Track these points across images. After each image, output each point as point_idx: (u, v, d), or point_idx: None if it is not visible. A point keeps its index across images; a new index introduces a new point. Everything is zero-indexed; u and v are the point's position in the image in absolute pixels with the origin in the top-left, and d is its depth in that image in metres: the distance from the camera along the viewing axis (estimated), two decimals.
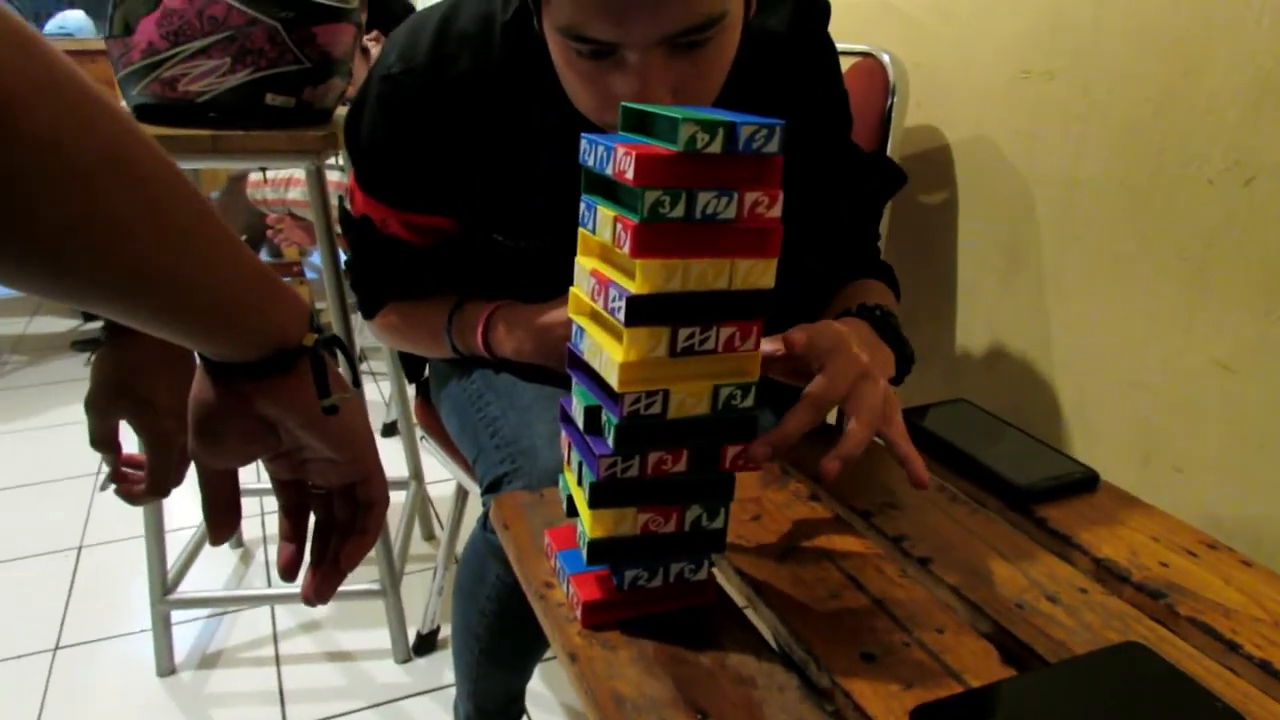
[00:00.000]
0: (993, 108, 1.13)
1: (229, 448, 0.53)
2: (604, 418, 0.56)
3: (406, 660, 1.53)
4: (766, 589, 0.65)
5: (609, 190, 0.57)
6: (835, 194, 0.97)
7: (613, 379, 0.53)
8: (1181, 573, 0.68)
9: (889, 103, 1.15)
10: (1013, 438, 0.87)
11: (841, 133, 0.99)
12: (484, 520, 0.94)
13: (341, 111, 1.40)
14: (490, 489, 0.91)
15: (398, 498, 1.73)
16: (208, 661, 1.53)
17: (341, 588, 1.70)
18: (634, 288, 0.52)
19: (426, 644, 1.55)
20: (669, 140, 0.52)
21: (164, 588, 1.45)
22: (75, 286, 0.39)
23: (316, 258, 3.23)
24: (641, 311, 0.52)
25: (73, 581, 1.74)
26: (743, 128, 0.51)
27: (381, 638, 1.56)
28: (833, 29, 0.95)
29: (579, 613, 0.61)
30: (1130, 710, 0.53)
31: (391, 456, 2.02)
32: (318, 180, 1.30)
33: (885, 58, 1.16)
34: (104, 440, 0.65)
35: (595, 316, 0.58)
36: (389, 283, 1.04)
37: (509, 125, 0.89)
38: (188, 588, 1.54)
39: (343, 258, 1.33)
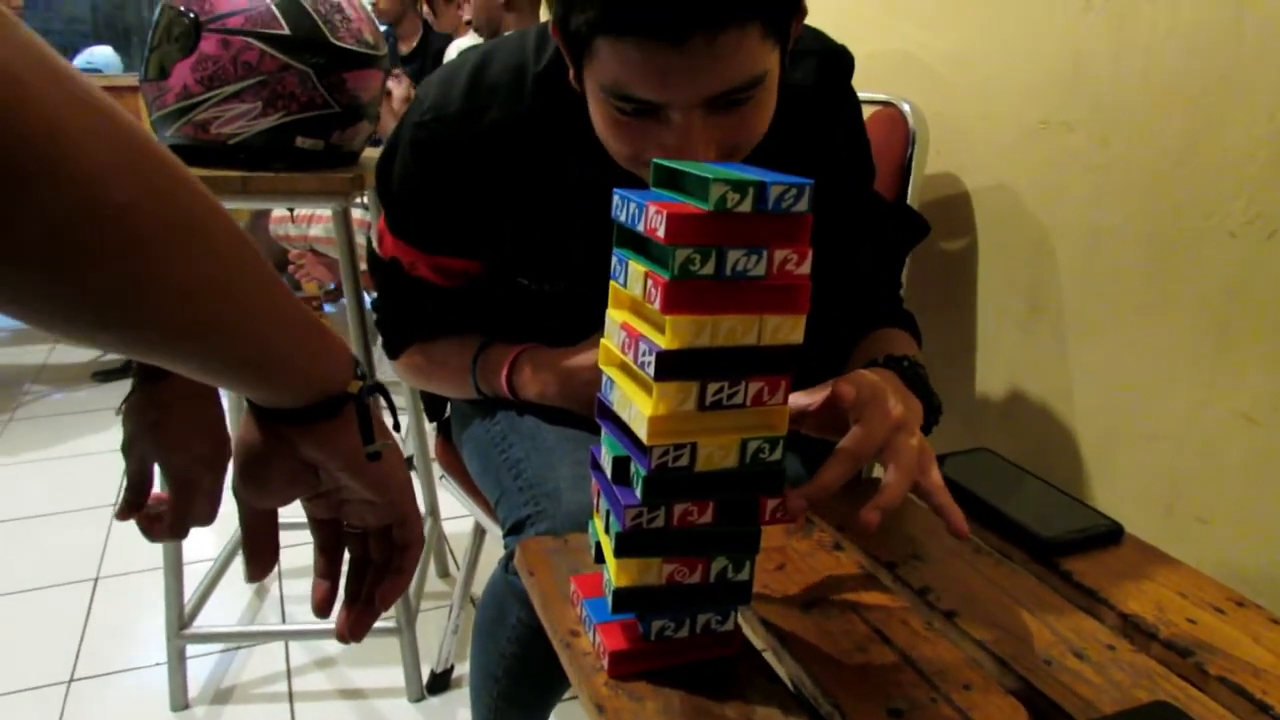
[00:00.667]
0: (1012, 156, 1.14)
1: (272, 488, 0.55)
2: (632, 469, 0.57)
3: (420, 699, 1.52)
4: (792, 640, 0.65)
5: (640, 245, 0.58)
6: (858, 242, 0.98)
7: (641, 432, 0.54)
8: (1210, 630, 0.67)
9: (909, 151, 1.16)
10: (1035, 488, 0.87)
11: (864, 182, 1.00)
12: (505, 562, 0.95)
13: (368, 154, 1.42)
14: (513, 531, 0.92)
15: None
16: (221, 696, 1.52)
17: None
18: (664, 343, 0.52)
19: (440, 683, 1.55)
20: (699, 199, 0.53)
21: (180, 622, 1.46)
22: (126, 339, 0.40)
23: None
24: (670, 366, 0.53)
25: (88, 613, 1.74)
26: (772, 187, 0.52)
27: (395, 675, 1.55)
28: (854, 79, 0.96)
29: (606, 662, 0.61)
30: None
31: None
32: (344, 220, 1.32)
33: (906, 107, 1.18)
34: (137, 483, 0.66)
35: (625, 369, 0.59)
36: (415, 323, 1.05)
37: (540, 173, 0.91)
38: (203, 622, 1.54)
39: (367, 297, 1.35)
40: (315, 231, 2.40)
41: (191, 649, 1.55)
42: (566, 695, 1.41)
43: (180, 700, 1.49)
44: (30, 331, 3.43)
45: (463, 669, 1.58)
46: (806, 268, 0.54)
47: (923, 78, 1.26)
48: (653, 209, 0.52)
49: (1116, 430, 1.05)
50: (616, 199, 0.58)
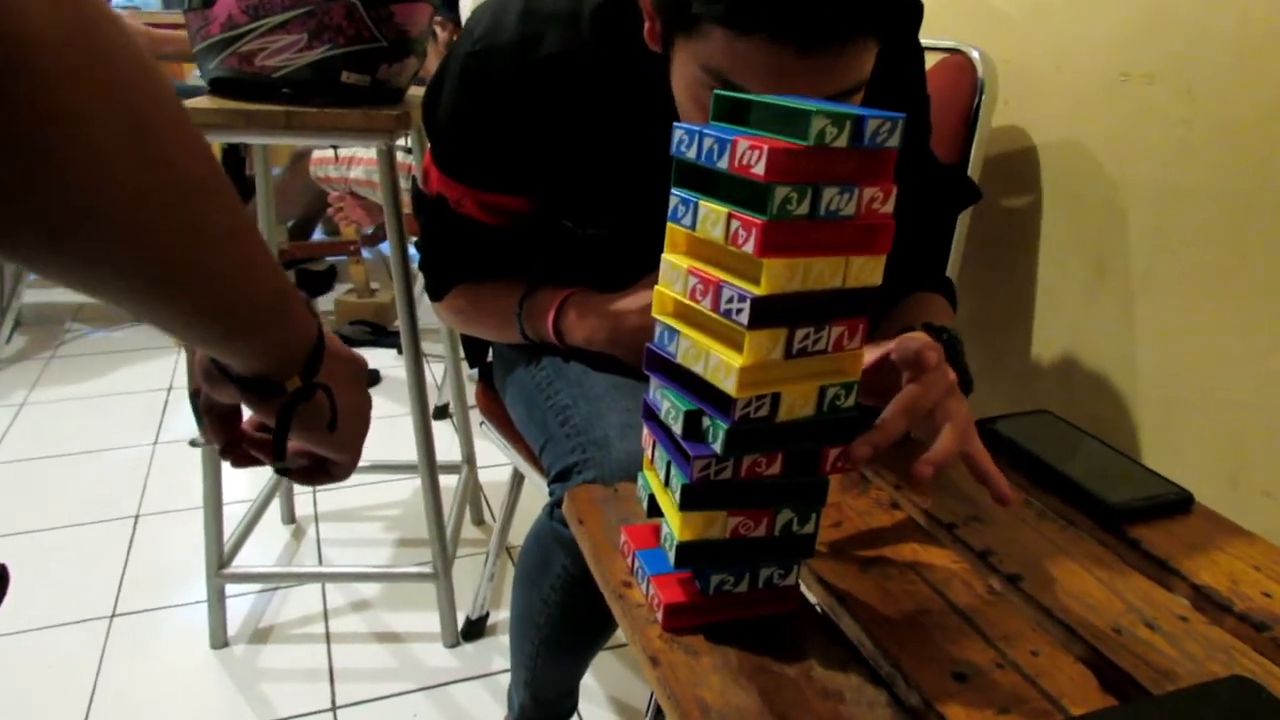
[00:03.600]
0: (1086, 111, 1.09)
1: (226, 395, 0.55)
2: (706, 422, 0.55)
3: (455, 645, 1.53)
4: (850, 599, 0.63)
5: (706, 184, 0.55)
6: (907, 201, 0.94)
7: (729, 384, 0.52)
8: None
9: (976, 101, 1.11)
10: (1100, 452, 0.84)
11: (921, 140, 0.96)
12: (551, 509, 0.93)
13: (414, 92, 1.40)
14: (559, 478, 0.90)
15: (449, 481, 1.73)
16: (260, 636, 1.54)
17: (393, 569, 1.70)
18: (759, 289, 0.50)
19: (475, 629, 1.55)
20: (785, 133, 0.50)
21: (220, 561, 1.47)
22: (68, 265, 0.37)
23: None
24: (766, 313, 0.50)
25: (129, 550, 1.76)
26: (869, 121, 0.49)
27: (431, 621, 1.56)
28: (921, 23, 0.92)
29: (660, 615, 0.59)
30: None
31: (443, 440, 2.03)
32: (389, 160, 1.30)
33: (974, 54, 1.13)
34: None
35: (692, 318, 0.56)
36: (460, 264, 1.03)
37: (591, 109, 0.88)
38: (241, 562, 1.55)
39: (410, 243, 1.33)
40: (355, 174, 2.38)
41: (230, 589, 1.56)
42: (609, 645, 1.42)
43: (220, 638, 1.50)
44: None
45: (497, 616, 1.58)
46: (890, 207, 0.52)
47: (994, 24, 1.21)
48: (745, 143, 0.49)
49: (1182, 397, 1.02)
50: (681, 134, 0.55)
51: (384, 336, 2.83)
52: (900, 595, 0.64)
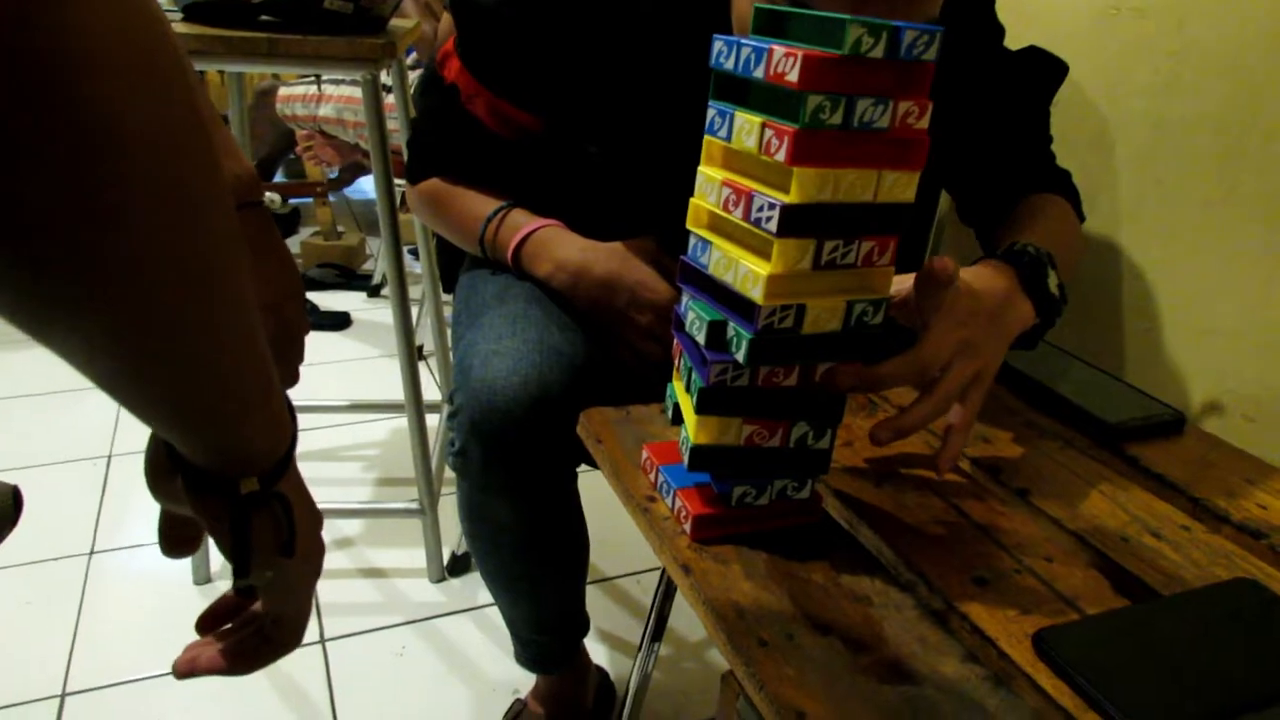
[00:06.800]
0: (1077, 44, 1.10)
1: (175, 500, 0.46)
2: (732, 332, 0.55)
3: (441, 580, 1.54)
4: (868, 511, 0.65)
5: (744, 96, 0.55)
6: (996, 104, 0.93)
7: (757, 292, 0.52)
8: None
9: None
10: (1094, 376, 0.87)
11: (995, 40, 0.95)
12: (455, 448, 0.90)
13: (398, 22, 1.36)
14: (451, 415, 0.88)
15: (430, 420, 1.72)
16: None
17: (378, 505, 1.68)
18: (788, 198, 0.50)
19: (461, 564, 1.56)
20: (823, 43, 0.50)
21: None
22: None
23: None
24: (795, 222, 0.51)
25: (104, 490, 1.74)
26: (906, 32, 0.49)
27: (414, 557, 1.57)
28: None
29: (689, 526, 0.60)
30: (1252, 641, 0.53)
31: (424, 378, 2.02)
32: (373, 93, 1.27)
33: None
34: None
35: (724, 229, 0.57)
36: (450, 156, 1.01)
37: (623, 20, 0.86)
38: None
39: (397, 184, 1.30)
40: (325, 111, 2.32)
41: None
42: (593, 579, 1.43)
43: (203, 574, 1.50)
44: None
45: None
46: (926, 122, 0.52)
47: None
48: (781, 51, 0.49)
49: (1166, 325, 1.04)
50: (720, 45, 0.55)
51: (353, 279, 2.79)
52: (915, 508, 0.66)
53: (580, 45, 0.88)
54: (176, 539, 0.51)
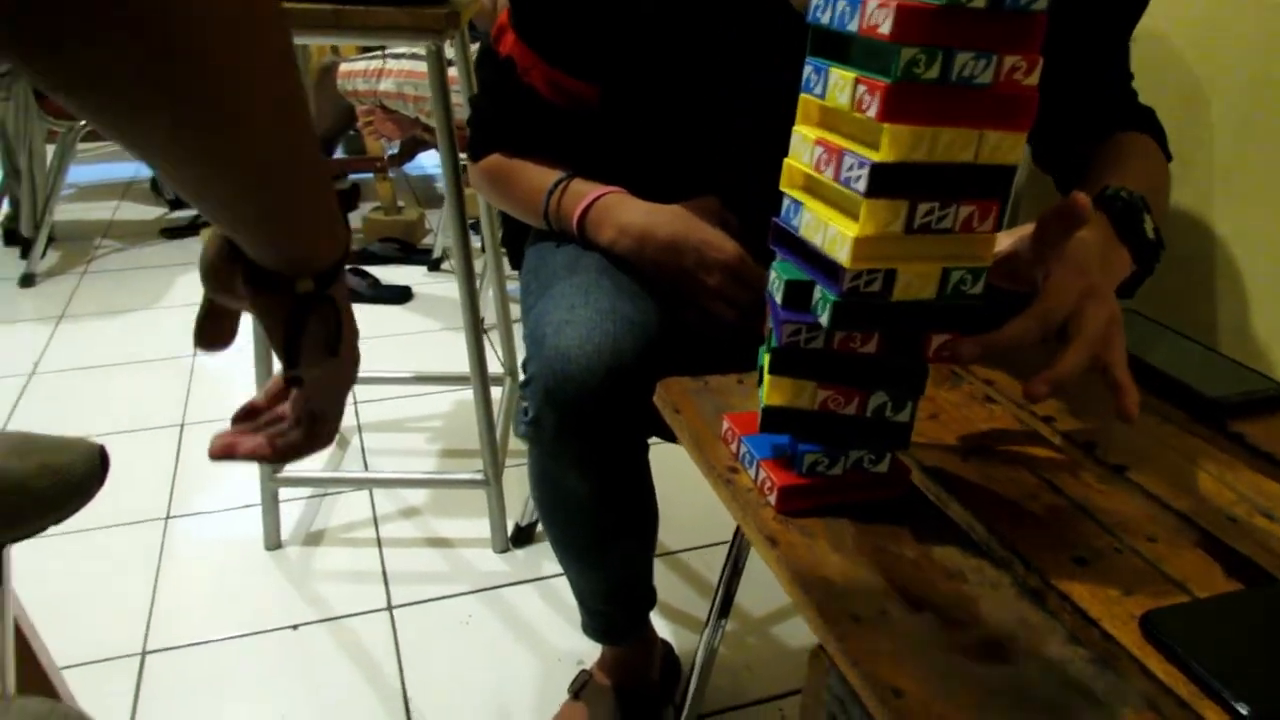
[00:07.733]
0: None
1: (233, 294, 0.50)
2: (817, 294, 0.54)
3: (505, 550, 1.55)
4: (958, 486, 0.63)
5: (840, 53, 0.53)
6: (1074, 37, 0.85)
7: (843, 254, 0.50)
8: None
9: None
10: (1190, 349, 0.83)
11: None
12: (528, 417, 0.88)
13: None
14: (525, 384, 0.87)
15: (494, 393, 1.73)
16: (312, 539, 1.56)
17: (443, 476, 1.69)
18: (878, 156, 0.48)
19: (525, 535, 1.57)
20: None
21: (274, 466, 1.48)
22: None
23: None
24: (885, 181, 0.49)
25: (177, 457, 1.78)
26: None
27: (478, 527, 1.58)
28: None
29: (774, 498, 0.59)
30: None
31: (488, 353, 2.03)
32: (437, 64, 1.26)
33: None
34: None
35: (816, 190, 0.55)
36: (510, 131, 1.01)
37: None
38: (289, 468, 1.56)
39: (461, 157, 1.29)
40: (385, 86, 2.32)
41: (283, 493, 1.58)
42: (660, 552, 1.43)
43: (274, 540, 1.53)
44: (97, 187, 3.43)
45: None
46: (1035, 78, 0.49)
47: None
48: (875, 2, 0.47)
49: (1263, 293, 1.00)
50: None
51: (413, 254, 2.81)
52: (1006, 483, 0.63)
53: (632, 10, 0.86)
54: (212, 333, 0.53)
